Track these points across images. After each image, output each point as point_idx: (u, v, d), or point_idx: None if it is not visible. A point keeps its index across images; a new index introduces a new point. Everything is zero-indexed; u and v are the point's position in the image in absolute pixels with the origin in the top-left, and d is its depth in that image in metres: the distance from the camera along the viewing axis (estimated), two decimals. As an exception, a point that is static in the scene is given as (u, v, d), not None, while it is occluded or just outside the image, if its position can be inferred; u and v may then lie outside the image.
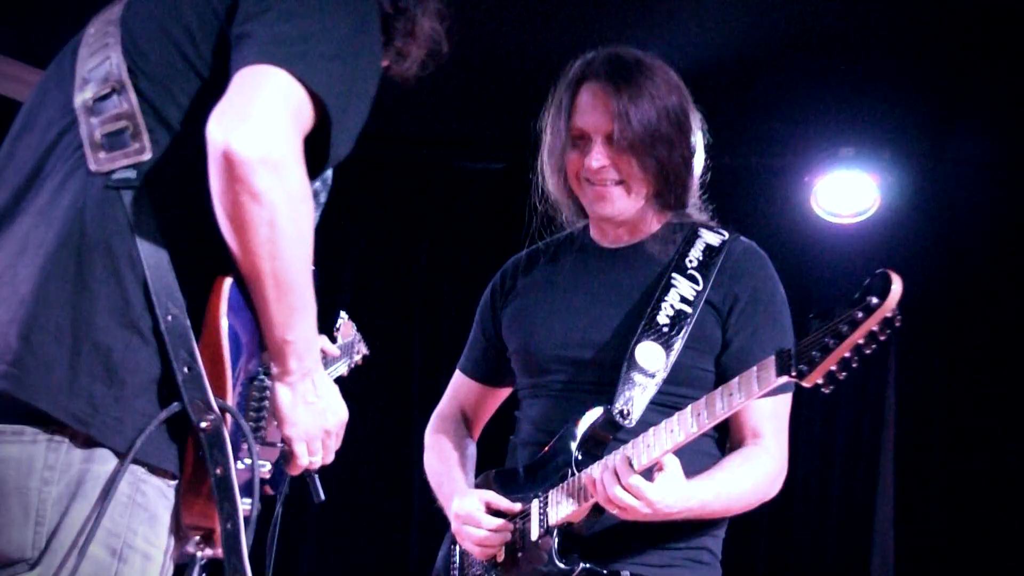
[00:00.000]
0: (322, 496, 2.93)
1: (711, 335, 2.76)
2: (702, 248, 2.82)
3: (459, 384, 3.17)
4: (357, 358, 3.18)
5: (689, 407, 2.54)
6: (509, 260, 3.10)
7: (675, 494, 2.55)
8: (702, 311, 2.74)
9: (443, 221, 5.73)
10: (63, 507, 1.77)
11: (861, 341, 2.26)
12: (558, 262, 2.98)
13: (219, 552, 1.87)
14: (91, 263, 1.82)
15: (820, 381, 2.32)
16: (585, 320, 2.83)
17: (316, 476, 2.55)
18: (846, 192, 5.30)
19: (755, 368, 2.43)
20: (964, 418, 5.17)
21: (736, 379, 2.47)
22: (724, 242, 2.84)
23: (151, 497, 1.84)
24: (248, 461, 1.91)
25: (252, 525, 1.86)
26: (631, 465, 2.54)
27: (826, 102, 5.16)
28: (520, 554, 2.77)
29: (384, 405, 5.46)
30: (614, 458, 2.58)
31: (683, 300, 2.74)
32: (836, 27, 4.83)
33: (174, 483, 1.86)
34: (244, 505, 1.87)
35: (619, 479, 2.54)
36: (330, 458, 2.06)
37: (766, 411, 2.74)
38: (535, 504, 2.76)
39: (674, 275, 2.78)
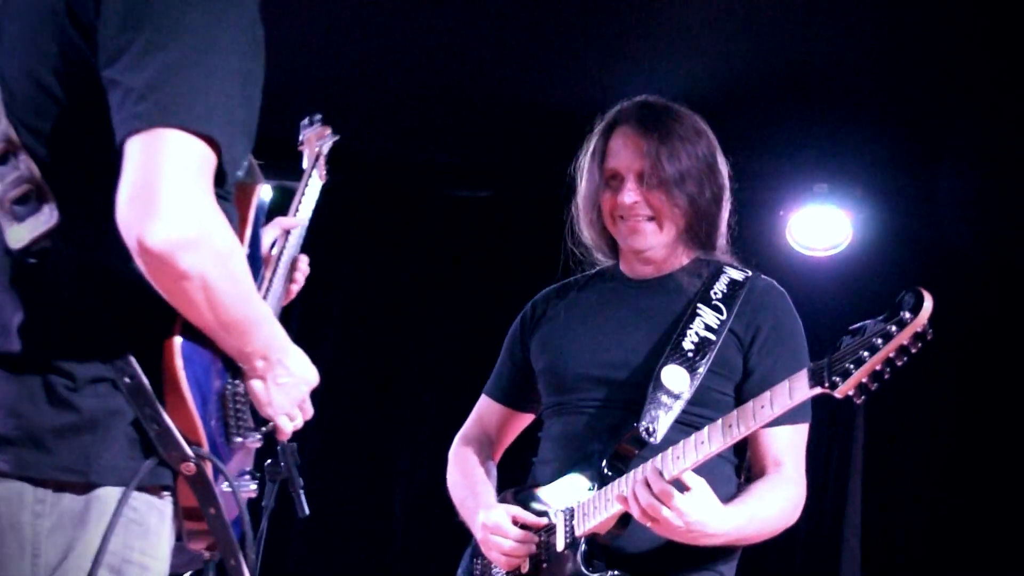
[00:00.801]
0: (306, 511, 2.99)
1: (733, 362, 2.88)
2: (726, 282, 2.95)
3: (484, 407, 3.27)
4: (324, 162, 3.19)
5: (720, 420, 2.64)
6: (540, 292, 3.24)
7: (708, 511, 2.63)
8: (725, 339, 2.87)
9: (430, 247, 5.82)
10: (58, 539, 1.81)
11: (893, 354, 2.39)
12: (588, 292, 3.11)
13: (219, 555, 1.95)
14: (42, 336, 1.84)
15: (851, 392, 2.44)
16: (612, 342, 2.95)
17: (301, 492, 2.61)
18: (820, 226, 5.46)
19: (787, 381, 2.54)
20: (935, 451, 5.32)
21: (768, 393, 2.58)
22: (747, 278, 2.98)
23: (142, 512, 1.88)
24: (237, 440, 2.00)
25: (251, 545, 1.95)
26: (661, 475, 2.63)
27: (801, 138, 5.32)
28: (545, 565, 2.85)
29: (369, 417, 5.57)
30: (644, 469, 2.67)
31: (708, 328, 2.87)
32: (812, 64, 4.99)
33: (167, 495, 1.91)
34: (251, 487, 2.00)
35: (650, 488, 2.62)
36: (309, 415, 2.13)
37: (786, 441, 2.85)
38: (561, 517, 2.84)
39: (700, 305, 2.91)
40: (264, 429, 2.10)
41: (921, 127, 5.25)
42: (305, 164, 3.12)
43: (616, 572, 2.74)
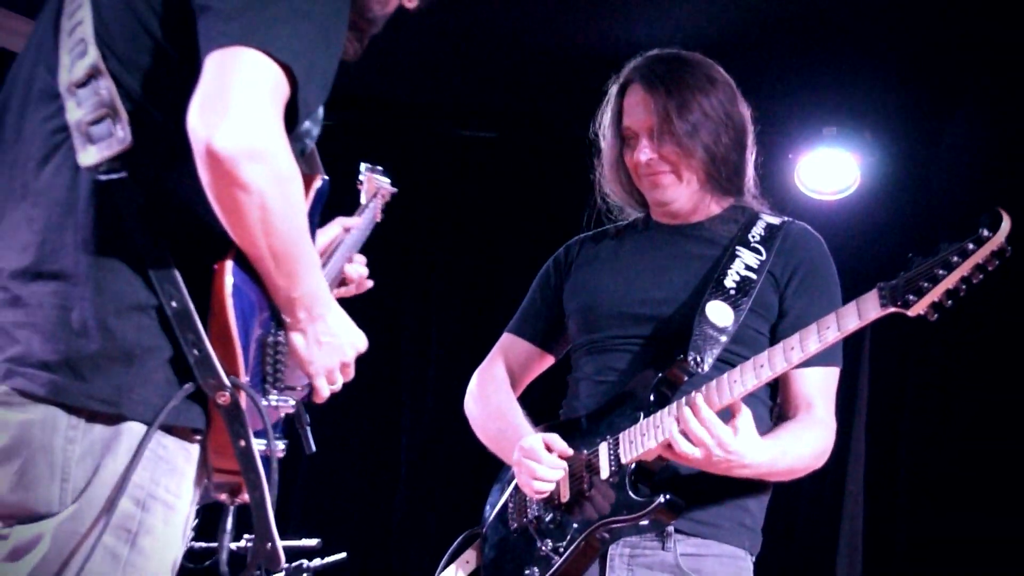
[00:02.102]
0: (312, 448, 2.95)
1: (770, 302, 2.90)
2: (763, 227, 2.98)
3: (507, 344, 3.25)
4: (381, 203, 3.20)
5: (780, 344, 2.63)
6: (574, 237, 3.25)
7: (748, 443, 2.64)
8: (764, 278, 2.89)
9: (437, 188, 5.77)
10: (87, 465, 1.84)
11: (969, 272, 2.38)
12: (624, 239, 3.14)
13: (247, 499, 1.94)
14: (96, 257, 1.87)
15: (924, 311, 2.42)
16: (649, 282, 2.97)
17: (308, 429, 2.56)
18: (828, 170, 5.42)
19: (854, 303, 2.52)
20: (937, 418, 5.26)
21: (832, 315, 2.56)
22: (784, 222, 3.02)
23: (172, 451, 1.90)
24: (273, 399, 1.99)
25: (275, 481, 1.93)
26: (710, 400, 2.64)
27: (812, 81, 5.27)
28: (588, 493, 2.84)
29: (375, 367, 5.49)
30: (695, 394, 2.66)
31: (748, 268, 2.89)
32: (825, 5, 4.95)
33: (198, 439, 1.93)
34: (260, 445, 1.93)
35: (697, 413, 2.61)
36: (349, 379, 2.14)
37: (819, 382, 2.86)
38: (604, 446, 2.83)
39: (738, 247, 2.94)
40: (300, 389, 2.09)
41: (933, 73, 5.20)
42: (363, 200, 3.12)
43: (667, 495, 2.71)
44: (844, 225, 5.31)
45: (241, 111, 1.75)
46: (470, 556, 3.12)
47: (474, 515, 3.17)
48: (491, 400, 3.15)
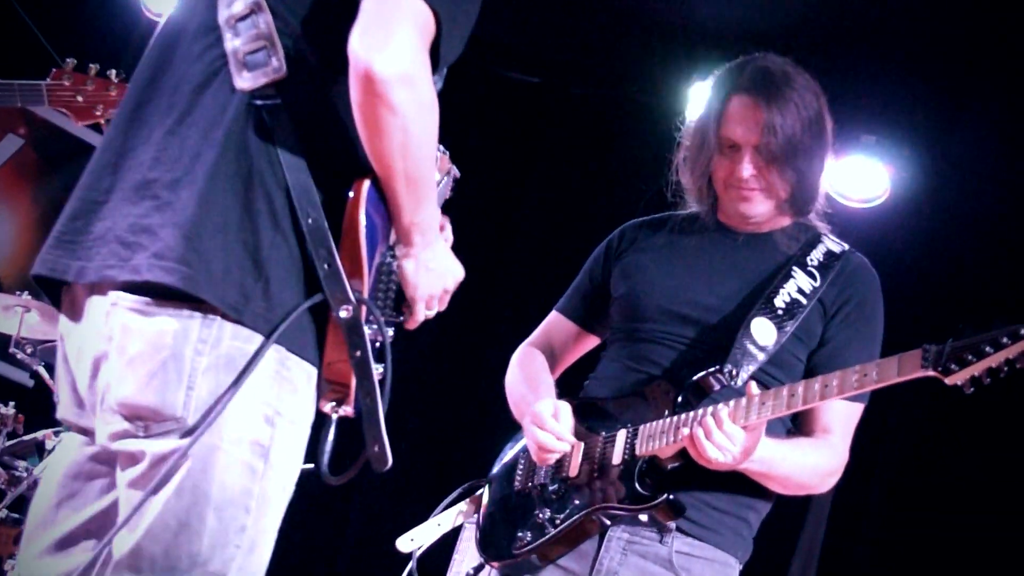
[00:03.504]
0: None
1: (814, 329, 2.94)
2: (823, 251, 3.01)
3: (553, 322, 3.31)
4: (451, 182, 3.25)
5: (819, 378, 2.67)
6: (628, 223, 3.27)
7: (757, 441, 2.71)
8: (814, 306, 2.92)
9: (474, 129, 5.75)
10: (213, 378, 1.96)
11: (1015, 355, 2.43)
12: (684, 235, 3.15)
13: (352, 412, 2.08)
14: (240, 174, 2.01)
15: (962, 382, 2.47)
16: (703, 286, 3.00)
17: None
18: (859, 177, 5.47)
19: (896, 357, 2.57)
20: (912, 436, 5.36)
21: (873, 364, 2.61)
22: (844, 251, 3.04)
23: (295, 372, 2.03)
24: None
25: (387, 389, 2.07)
26: (736, 416, 2.69)
27: (861, 87, 5.30)
28: (596, 474, 2.90)
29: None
30: (722, 407, 2.71)
31: (800, 291, 2.93)
32: (884, 16, 4.96)
33: (315, 370, 2.06)
34: (377, 369, 2.06)
35: (720, 425, 2.67)
36: (443, 308, 2.27)
37: (841, 413, 2.90)
38: (622, 433, 2.89)
39: (795, 268, 2.96)
40: (400, 319, 2.20)
41: (980, 99, 5.26)
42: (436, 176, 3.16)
43: (670, 495, 2.78)
44: (864, 235, 5.37)
45: (399, 41, 1.93)
46: (468, 507, 3.20)
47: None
48: (525, 370, 3.21)
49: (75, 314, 2.12)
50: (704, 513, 2.87)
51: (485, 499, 3.16)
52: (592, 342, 3.29)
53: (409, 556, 3.18)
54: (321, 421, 2.10)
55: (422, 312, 2.22)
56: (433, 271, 2.19)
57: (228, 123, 2.02)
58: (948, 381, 2.48)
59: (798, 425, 2.94)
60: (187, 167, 2.01)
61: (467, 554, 3.21)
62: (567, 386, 3.20)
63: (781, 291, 2.92)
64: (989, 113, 5.34)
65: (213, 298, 1.95)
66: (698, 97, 5.68)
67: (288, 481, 2.06)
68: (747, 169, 2.94)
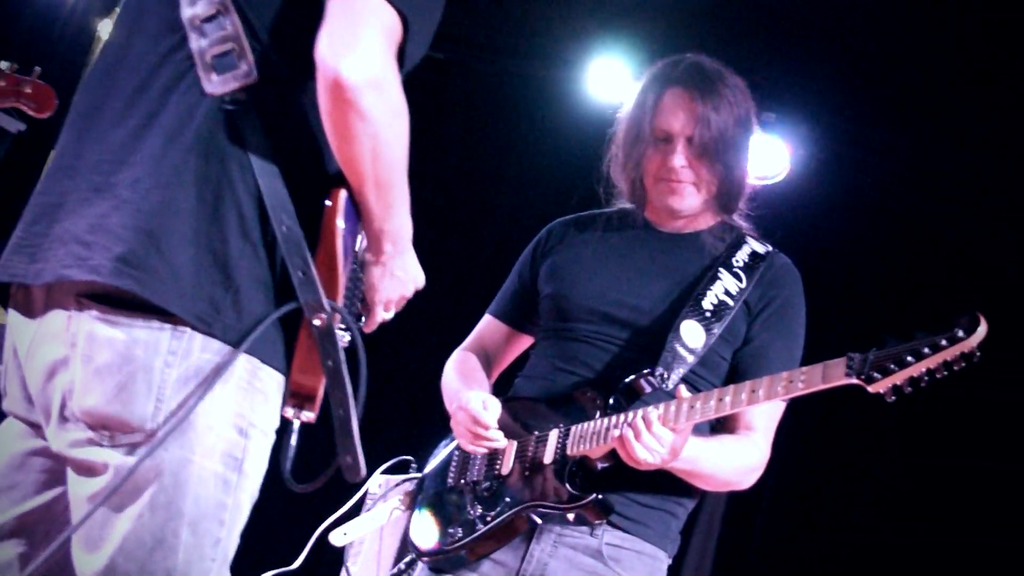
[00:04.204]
0: None
1: (739, 330, 3.02)
2: (748, 252, 3.09)
3: (485, 325, 3.35)
4: None
5: (746, 384, 2.75)
6: (556, 220, 3.30)
7: (684, 442, 2.78)
8: (740, 308, 3.00)
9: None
10: (182, 390, 1.94)
11: (935, 365, 2.51)
12: (611, 233, 3.19)
13: (314, 418, 2.07)
14: (210, 180, 1.98)
15: (884, 391, 2.56)
16: (627, 285, 3.05)
17: None
18: (759, 154, 5.56)
19: (822, 365, 2.66)
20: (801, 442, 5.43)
21: (800, 370, 2.69)
22: (768, 253, 3.11)
23: (267, 382, 2.03)
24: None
25: (361, 398, 2.05)
26: (665, 419, 2.75)
27: (761, 64, 5.37)
28: (527, 473, 2.96)
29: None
30: (652, 410, 2.77)
31: (727, 293, 3.00)
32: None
33: (283, 378, 2.05)
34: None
35: (650, 427, 2.73)
36: (399, 309, 2.30)
37: (764, 411, 2.98)
38: (554, 433, 2.94)
39: (721, 269, 3.03)
40: (360, 323, 2.21)
41: (879, 82, 5.39)
42: None
43: (599, 495, 2.84)
44: (764, 211, 5.49)
45: (367, 46, 1.91)
46: (401, 502, 3.25)
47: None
48: (459, 370, 3.24)
49: (28, 311, 2.07)
50: (633, 509, 2.93)
51: (418, 496, 3.20)
52: (526, 342, 3.32)
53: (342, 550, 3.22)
54: (283, 426, 2.09)
55: (380, 315, 2.24)
56: (396, 279, 2.20)
57: (197, 127, 1.99)
58: (871, 389, 2.56)
59: (722, 422, 3.01)
60: (151, 169, 1.97)
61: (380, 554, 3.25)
62: (503, 387, 3.24)
63: (708, 293, 2.98)
64: (885, 89, 5.47)
65: (182, 311, 1.93)
66: (601, 73, 5.77)
67: (256, 488, 2.06)
68: (679, 159, 3.00)
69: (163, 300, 1.92)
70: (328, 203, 2.01)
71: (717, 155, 2.99)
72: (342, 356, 2.00)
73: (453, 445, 3.18)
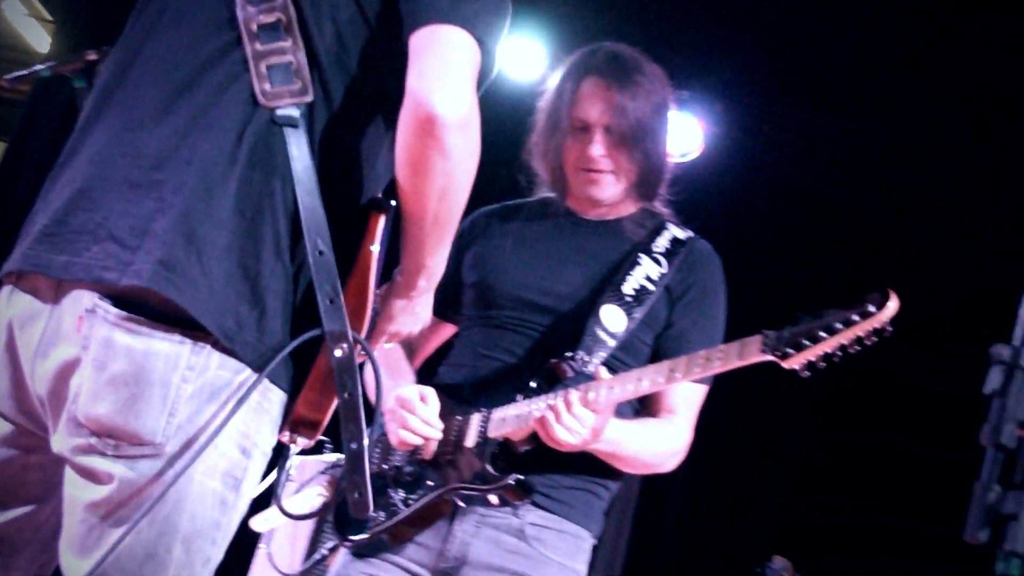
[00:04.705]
0: None
1: (660, 315, 3.05)
2: (669, 239, 3.11)
3: None
4: None
5: (665, 363, 2.78)
6: (479, 210, 3.30)
7: (607, 423, 2.81)
8: (661, 293, 3.03)
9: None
10: (195, 406, 1.91)
11: (847, 341, 2.56)
12: (533, 222, 3.20)
13: (311, 444, 2.06)
14: (252, 192, 1.95)
15: (798, 366, 2.61)
16: (549, 272, 3.07)
17: None
18: (673, 132, 5.58)
19: (738, 342, 2.70)
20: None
21: (717, 349, 2.73)
22: (689, 239, 3.14)
23: (274, 403, 2.01)
24: None
25: (376, 432, 2.01)
26: (585, 400, 2.77)
27: (675, 41, 5.43)
28: (449, 456, 2.97)
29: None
30: (572, 391, 2.79)
31: (647, 279, 3.02)
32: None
33: (287, 397, 2.03)
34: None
35: (570, 408, 2.76)
36: None
37: (686, 395, 3.02)
38: (476, 416, 2.96)
39: (641, 255, 3.05)
40: None
41: (790, 57, 5.46)
42: None
43: (519, 476, 2.86)
44: (678, 188, 5.54)
45: (459, 85, 1.93)
46: (324, 489, 3.24)
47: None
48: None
49: (32, 301, 1.99)
50: (557, 490, 2.95)
51: (340, 483, 3.19)
52: (449, 330, 3.32)
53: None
54: (278, 450, 2.07)
55: (383, 341, 2.23)
56: (413, 315, 2.22)
57: (246, 136, 1.96)
58: (785, 365, 2.61)
59: (645, 405, 3.04)
60: (199, 173, 1.93)
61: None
62: (425, 377, 3.23)
63: (629, 278, 3.00)
64: (797, 66, 5.54)
65: (211, 324, 1.90)
66: (517, 53, 5.76)
67: (246, 507, 2.04)
68: (597, 148, 3.01)
69: (198, 311, 1.89)
70: (369, 230, 2.01)
71: (635, 144, 3.00)
72: (359, 390, 1.98)
73: (375, 431, 3.17)
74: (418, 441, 2.98)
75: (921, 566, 5.19)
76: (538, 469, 2.91)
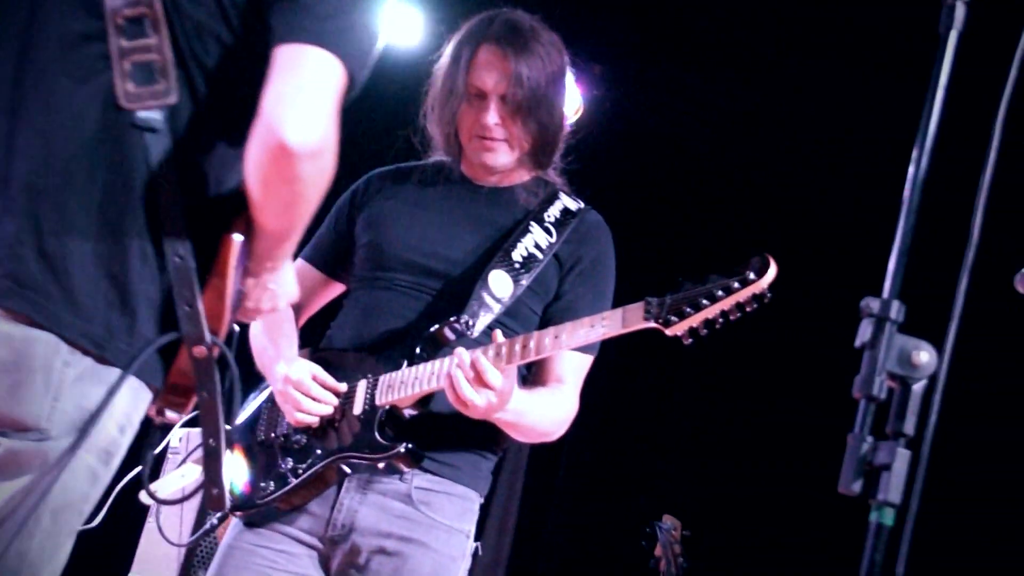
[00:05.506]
0: None
1: (550, 284, 3.08)
2: (560, 208, 3.13)
3: (298, 270, 3.24)
4: None
5: (550, 329, 2.81)
6: (375, 170, 3.29)
7: (511, 391, 2.83)
8: (550, 261, 3.06)
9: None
10: (77, 390, 1.92)
11: (728, 307, 2.61)
12: (427, 186, 3.21)
13: (177, 419, 2.10)
14: (116, 198, 1.92)
15: (681, 333, 2.65)
16: (441, 235, 3.09)
17: None
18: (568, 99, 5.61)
19: (621, 309, 2.73)
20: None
21: (600, 316, 2.76)
22: (580, 209, 3.17)
23: (148, 392, 2.04)
24: None
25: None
26: (491, 358, 2.77)
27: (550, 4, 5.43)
28: (337, 425, 2.98)
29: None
30: (461, 356, 2.78)
31: (536, 247, 3.05)
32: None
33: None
34: None
35: (477, 364, 2.74)
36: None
37: (574, 365, 3.06)
38: (363, 384, 2.97)
39: (532, 223, 3.08)
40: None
41: (669, 19, 5.50)
42: None
43: (409, 444, 2.87)
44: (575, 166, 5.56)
45: (313, 112, 1.88)
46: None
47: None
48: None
49: None
50: (444, 453, 2.97)
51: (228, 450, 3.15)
52: (337, 289, 3.31)
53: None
54: (145, 429, 2.09)
55: (244, 316, 2.22)
56: (269, 292, 2.18)
57: (108, 140, 1.91)
58: (668, 332, 2.65)
59: (533, 375, 3.07)
60: (58, 181, 1.89)
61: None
62: (311, 334, 3.24)
63: (519, 245, 3.03)
64: (675, 28, 5.58)
65: (75, 335, 1.89)
66: (392, 17, 5.69)
67: (111, 478, 2.05)
68: (492, 117, 3.01)
69: (58, 325, 1.87)
70: (231, 238, 1.98)
71: (530, 113, 3.01)
72: (218, 388, 2.01)
73: (262, 398, 3.17)
74: (314, 421, 2.98)
75: (803, 520, 5.30)
76: (425, 434, 2.93)
